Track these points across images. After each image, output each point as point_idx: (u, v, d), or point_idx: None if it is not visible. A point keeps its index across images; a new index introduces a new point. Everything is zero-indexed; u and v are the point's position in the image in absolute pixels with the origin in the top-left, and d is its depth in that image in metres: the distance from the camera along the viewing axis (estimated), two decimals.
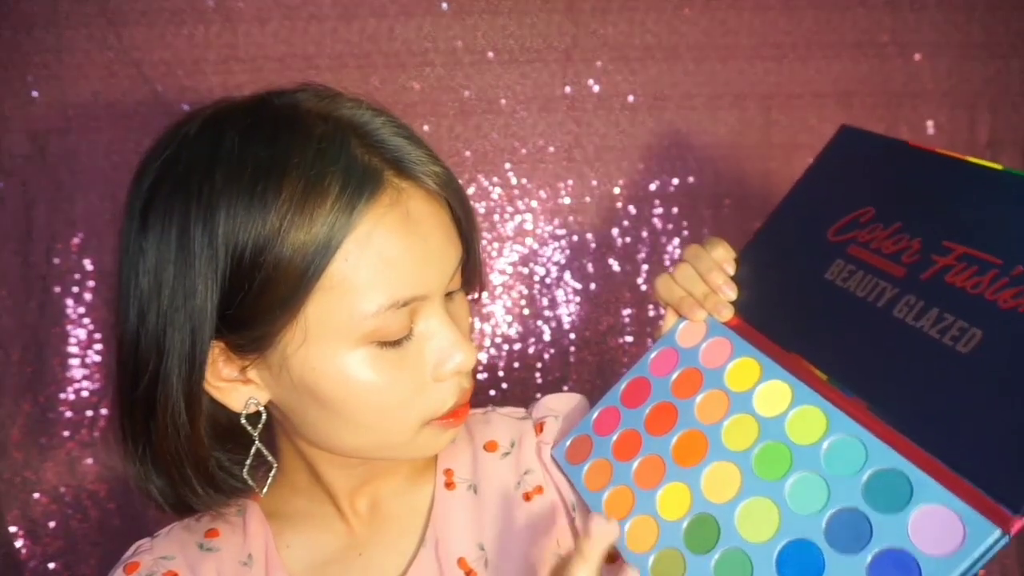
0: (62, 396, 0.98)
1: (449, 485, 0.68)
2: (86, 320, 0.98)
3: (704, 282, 0.64)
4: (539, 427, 0.69)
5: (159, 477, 0.59)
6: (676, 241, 1.02)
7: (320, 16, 0.98)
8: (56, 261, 0.97)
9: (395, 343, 0.56)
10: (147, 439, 0.57)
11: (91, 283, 0.98)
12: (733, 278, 0.64)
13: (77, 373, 0.98)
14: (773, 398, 0.56)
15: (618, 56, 1.02)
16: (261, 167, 0.52)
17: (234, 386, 0.57)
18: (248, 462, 0.60)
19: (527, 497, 0.66)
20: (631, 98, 1.02)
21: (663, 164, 1.03)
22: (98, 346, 0.98)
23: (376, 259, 0.54)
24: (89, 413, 0.98)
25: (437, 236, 0.58)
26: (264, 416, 0.59)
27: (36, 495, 0.98)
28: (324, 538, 0.66)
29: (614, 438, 0.62)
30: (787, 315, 0.60)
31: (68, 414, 0.98)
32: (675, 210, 1.02)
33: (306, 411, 0.57)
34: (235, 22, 0.97)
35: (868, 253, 0.58)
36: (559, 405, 0.71)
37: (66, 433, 0.98)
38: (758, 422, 0.55)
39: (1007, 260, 0.50)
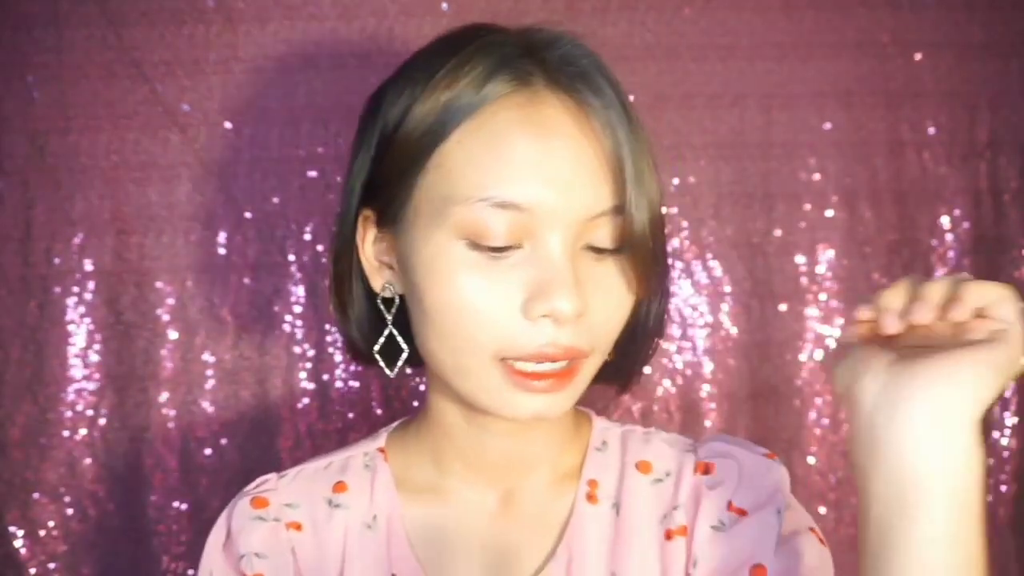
0: (62, 396, 0.98)
1: (591, 498, 0.63)
2: (86, 320, 0.98)
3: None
4: (702, 467, 0.63)
5: (343, 324, 0.65)
6: (675, 241, 1.02)
7: (320, 16, 0.98)
8: (56, 261, 0.97)
9: (491, 251, 0.53)
10: (335, 288, 0.65)
11: (91, 283, 0.98)
12: None
13: (77, 373, 0.98)
14: None
15: (618, 56, 1.01)
16: (431, 59, 0.57)
17: (380, 268, 0.62)
18: (380, 340, 0.63)
19: (668, 535, 0.61)
20: (631, 98, 1.02)
21: (663, 164, 1.02)
22: (98, 346, 0.98)
23: (484, 147, 0.54)
24: (89, 413, 0.98)
25: (569, 158, 0.54)
26: (397, 302, 0.62)
27: (36, 495, 0.97)
28: (449, 517, 0.64)
29: None
30: None
31: (68, 414, 0.98)
32: (675, 210, 1.02)
33: (411, 306, 0.60)
34: (235, 22, 0.97)
35: None
36: (742, 456, 0.63)
37: (66, 433, 0.98)
38: None
39: None
